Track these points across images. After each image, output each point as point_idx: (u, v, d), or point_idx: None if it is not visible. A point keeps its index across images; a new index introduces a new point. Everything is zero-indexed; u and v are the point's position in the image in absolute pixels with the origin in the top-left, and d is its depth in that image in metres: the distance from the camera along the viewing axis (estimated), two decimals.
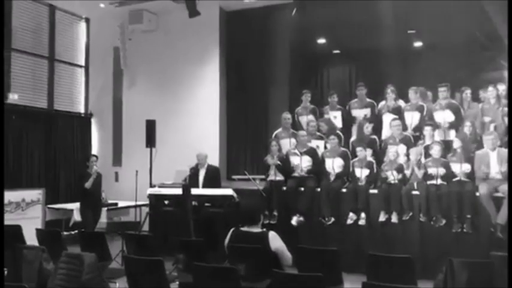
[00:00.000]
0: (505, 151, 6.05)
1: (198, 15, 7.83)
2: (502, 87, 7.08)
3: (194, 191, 6.77)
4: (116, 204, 8.49)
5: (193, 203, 6.77)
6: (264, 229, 4.18)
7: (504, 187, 5.80)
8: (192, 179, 7.19)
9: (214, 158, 8.69)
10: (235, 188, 7.19)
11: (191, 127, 9.10)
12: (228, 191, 6.88)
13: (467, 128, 6.53)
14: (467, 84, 7.87)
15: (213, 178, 7.37)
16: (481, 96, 7.35)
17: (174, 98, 9.40)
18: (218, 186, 7.36)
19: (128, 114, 9.88)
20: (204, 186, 7.25)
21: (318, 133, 7.51)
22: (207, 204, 6.89)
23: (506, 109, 6.50)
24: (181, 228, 6.38)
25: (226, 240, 4.22)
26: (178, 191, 6.68)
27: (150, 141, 7.96)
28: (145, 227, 7.30)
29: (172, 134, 9.10)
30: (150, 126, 8.04)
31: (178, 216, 6.63)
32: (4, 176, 7.06)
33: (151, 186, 7.61)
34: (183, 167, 7.67)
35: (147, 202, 7.44)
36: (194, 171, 7.25)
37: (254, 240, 4.04)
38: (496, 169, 5.93)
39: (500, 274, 4.30)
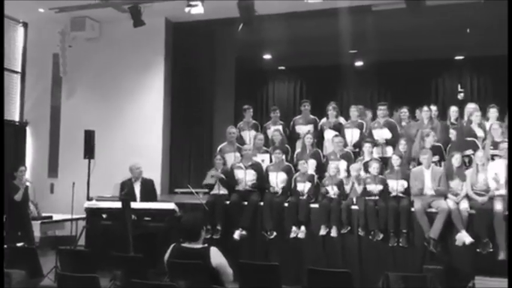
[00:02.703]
0: (438, 169, 6.35)
1: (143, 25, 7.71)
2: (435, 108, 7.49)
3: (134, 205, 6.59)
4: (51, 217, 8.10)
5: (133, 217, 6.58)
6: (206, 245, 4.12)
7: (436, 203, 6.07)
8: (128, 193, 6.99)
9: (156, 171, 8.53)
10: (178, 201, 7.07)
11: (133, 139, 8.88)
12: (170, 205, 6.76)
13: (402, 146, 6.81)
14: (405, 103, 8.28)
15: (149, 192, 7.19)
16: (417, 115, 7.74)
17: (116, 108, 9.15)
18: (155, 199, 7.21)
19: (66, 124, 9.50)
20: (142, 200, 7.07)
21: (264, 148, 7.57)
22: (147, 218, 6.73)
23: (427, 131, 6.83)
24: (120, 243, 6.17)
25: (166, 256, 4.11)
26: (118, 205, 6.49)
27: (89, 152, 7.70)
28: (82, 242, 7.02)
29: (113, 146, 8.83)
30: (89, 136, 7.78)
31: (117, 230, 6.41)
32: None
33: (89, 199, 7.35)
34: (123, 180, 7.45)
35: (84, 215, 7.16)
36: (130, 185, 7.04)
37: (195, 256, 3.96)
38: (430, 186, 6.21)
39: (433, 285, 4.51)
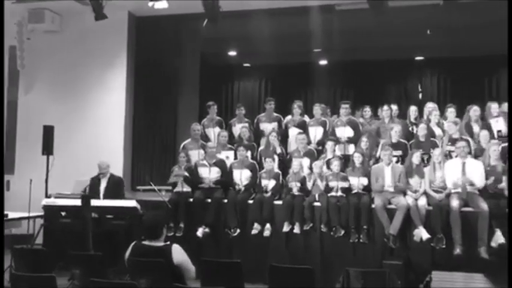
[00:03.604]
0: (398, 166, 6.51)
1: (105, 18, 7.52)
2: (395, 107, 7.67)
3: (94, 202, 6.45)
4: (6, 215, 7.80)
5: (94, 215, 6.45)
6: (168, 242, 4.09)
7: (396, 199, 6.22)
8: (92, 190, 6.85)
9: (118, 168, 8.35)
10: (140, 199, 6.97)
11: (94, 134, 8.67)
12: (132, 203, 6.65)
13: (363, 143, 6.94)
14: (367, 102, 8.46)
15: (116, 189, 7.07)
16: (379, 114, 7.91)
17: (77, 103, 8.91)
18: (121, 198, 7.07)
19: (23, 119, 9.19)
20: (105, 198, 6.93)
21: (229, 145, 7.55)
22: (108, 216, 6.60)
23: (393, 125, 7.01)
24: (79, 241, 6.05)
25: (127, 254, 4.06)
26: (77, 202, 6.34)
27: (47, 148, 7.47)
28: (40, 240, 6.81)
29: (73, 142, 8.61)
30: (48, 132, 7.55)
31: (77, 228, 6.28)
32: None
33: (47, 196, 7.14)
34: (84, 177, 7.28)
35: (42, 213, 6.95)
36: (95, 181, 6.92)
37: (156, 254, 3.93)
38: (390, 183, 6.35)
39: (392, 281, 4.62)
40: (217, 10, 7.20)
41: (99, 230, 6.33)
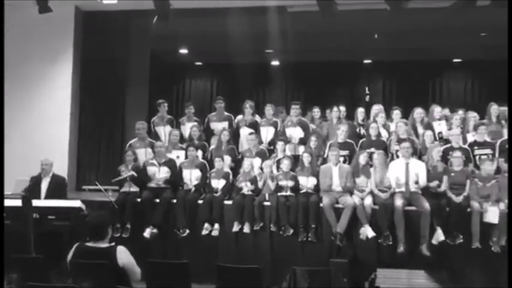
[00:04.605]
0: (345, 166, 6.65)
1: (50, 11, 7.24)
2: (343, 109, 7.84)
3: (36, 203, 6.18)
4: None
5: (35, 215, 6.18)
6: (113, 244, 3.98)
7: (343, 199, 6.36)
8: (33, 189, 6.57)
9: (63, 167, 8.05)
10: (85, 199, 6.76)
11: (37, 132, 8.30)
12: (76, 203, 6.42)
13: (312, 143, 7.04)
14: (317, 103, 8.60)
15: (58, 189, 6.82)
16: (328, 115, 8.07)
17: (18, 99, 8.48)
18: (63, 198, 6.82)
19: None
20: (47, 198, 6.67)
21: (180, 144, 7.46)
22: (51, 217, 6.34)
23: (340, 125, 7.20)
24: (20, 243, 5.76)
25: (69, 256, 3.92)
26: (18, 203, 6.05)
27: None
28: None
29: (13, 139, 8.20)
30: None
31: (17, 230, 5.98)
32: None
33: None
34: (25, 176, 6.96)
35: None
36: (36, 181, 6.63)
37: (100, 256, 3.82)
38: (337, 182, 6.48)
39: (338, 279, 4.71)
40: (168, 7, 7.10)
41: (41, 231, 6.08)
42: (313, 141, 7.04)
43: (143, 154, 7.28)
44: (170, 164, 7.03)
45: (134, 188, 6.87)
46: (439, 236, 6.02)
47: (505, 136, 6.77)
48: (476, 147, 6.68)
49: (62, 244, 5.70)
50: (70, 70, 8.57)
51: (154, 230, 6.56)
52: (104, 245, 3.91)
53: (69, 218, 6.31)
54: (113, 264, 3.79)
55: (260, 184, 6.73)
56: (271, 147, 7.44)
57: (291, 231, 6.35)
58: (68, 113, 8.52)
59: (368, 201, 6.32)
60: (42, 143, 8.10)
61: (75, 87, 8.66)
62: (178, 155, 7.30)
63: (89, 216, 4.64)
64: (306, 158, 6.67)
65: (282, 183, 6.58)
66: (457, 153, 6.43)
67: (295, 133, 7.43)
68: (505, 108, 7.50)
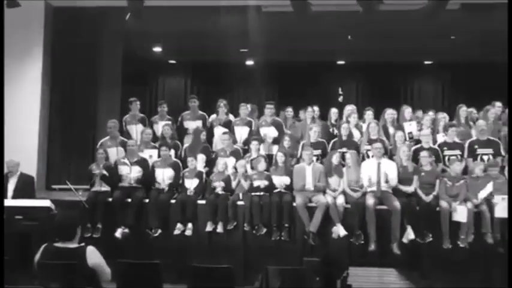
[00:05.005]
0: (318, 166, 6.70)
1: (18, 6, 7.04)
2: (317, 109, 7.90)
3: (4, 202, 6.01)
4: None
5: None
6: (82, 244, 3.90)
7: (316, 198, 6.40)
8: None
9: (32, 165, 7.87)
10: (55, 198, 6.60)
11: (6, 131, 8.04)
12: (45, 202, 6.27)
13: (286, 143, 7.07)
14: (291, 103, 8.64)
15: (26, 188, 6.67)
16: (301, 115, 8.11)
17: None
18: (32, 196, 6.66)
19: None
20: (14, 197, 6.51)
21: (152, 143, 7.37)
22: (18, 217, 6.17)
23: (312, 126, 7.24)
24: None
25: (37, 257, 3.82)
26: None
27: None
28: None
29: None
30: None
31: None
32: None
33: None
34: None
35: None
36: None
37: (69, 257, 3.73)
38: (310, 182, 6.52)
39: (310, 278, 4.73)
40: (140, 4, 7.01)
41: (8, 232, 5.90)
42: (286, 141, 7.07)
43: (115, 153, 7.17)
44: (142, 163, 6.95)
45: (105, 188, 6.77)
46: (409, 234, 6.13)
47: (473, 137, 6.95)
48: (445, 148, 6.83)
49: (30, 245, 5.56)
50: (40, 67, 8.37)
51: (126, 230, 6.48)
52: (73, 245, 3.83)
53: (38, 218, 6.16)
54: (83, 264, 3.71)
55: (234, 184, 6.71)
56: (246, 147, 7.43)
57: (264, 230, 6.36)
58: (38, 111, 8.32)
59: (340, 200, 6.38)
60: (11, 142, 7.85)
61: (45, 85, 8.46)
62: (151, 154, 7.22)
63: (57, 215, 4.53)
64: (280, 158, 6.69)
65: (257, 182, 6.58)
66: (427, 154, 6.55)
67: (269, 132, 7.45)
68: (472, 110, 7.73)
